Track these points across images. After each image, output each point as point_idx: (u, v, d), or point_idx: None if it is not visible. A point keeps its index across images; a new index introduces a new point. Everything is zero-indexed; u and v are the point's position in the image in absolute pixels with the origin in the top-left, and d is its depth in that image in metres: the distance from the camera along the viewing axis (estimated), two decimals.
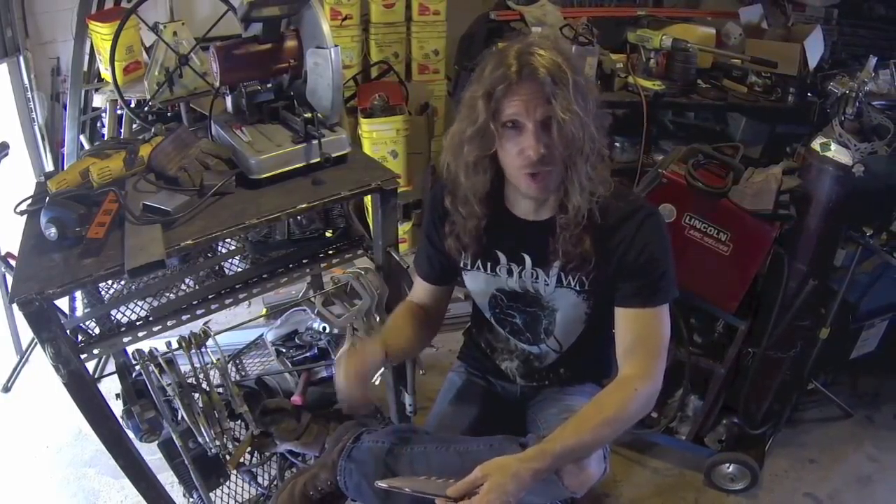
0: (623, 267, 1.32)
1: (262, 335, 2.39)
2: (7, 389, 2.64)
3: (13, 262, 1.54)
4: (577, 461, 1.26)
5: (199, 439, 1.65)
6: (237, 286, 1.78)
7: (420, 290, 1.59)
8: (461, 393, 1.64)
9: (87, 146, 2.71)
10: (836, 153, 1.83)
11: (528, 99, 1.20)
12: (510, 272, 1.43)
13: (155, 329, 1.65)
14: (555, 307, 1.43)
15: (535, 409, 1.57)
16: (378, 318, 1.87)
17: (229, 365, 1.85)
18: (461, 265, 1.48)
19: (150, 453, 1.80)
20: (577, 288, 1.38)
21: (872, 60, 1.85)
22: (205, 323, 1.72)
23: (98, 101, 2.76)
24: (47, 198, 1.53)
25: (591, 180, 1.27)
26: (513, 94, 1.20)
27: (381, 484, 1.29)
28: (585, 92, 1.23)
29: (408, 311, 1.54)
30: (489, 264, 1.44)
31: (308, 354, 2.12)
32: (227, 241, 1.97)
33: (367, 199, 2.10)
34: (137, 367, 1.58)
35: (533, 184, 1.27)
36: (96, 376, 1.88)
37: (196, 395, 1.63)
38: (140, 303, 1.74)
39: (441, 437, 1.45)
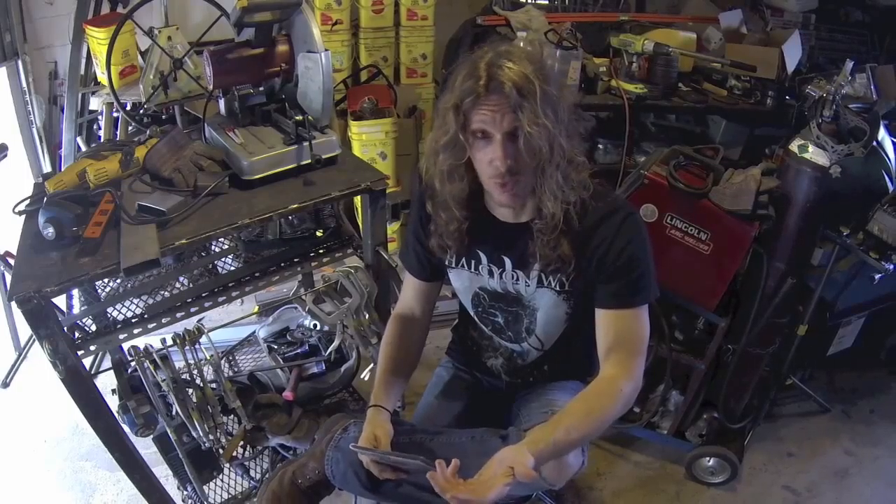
0: (602, 268, 1.33)
1: (254, 332, 2.38)
2: (6, 385, 2.65)
3: (12, 261, 1.56)
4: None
5: (193, 433, 1.68)
6: (230, 284, 1.81)
7: (410, 290, 1.60)
8: (447, 387, 1.66)
9: (83, 148, 2.72)
10: (814, 155, 1.85)
11: (494, 111, 1.21)
12: (491, 273, 1.45)
13: (150, 326, 1.68)
14: (535, 307, 1.45)
15: (519, 403, 1.59)
16: (367, 316, 1.89)
17: (222, 361, 1.87)
18: (446, 262, 1.50)
19: (146, 447, 1.83)
20: (558, 288, 1.40)
21: (849, 64, 1.86)
22: (198, 320, 1.75)
23: (94, 103, 2.75)
24: (45, 198, 1.56)
25: (561, 187, 1.27)
26: (480, 105, 1.21)
27: (356, 448, 1.33)
28: (556, 101, 1.24)
29: (395, 349, 1.55)
30: (472, 262, 1.46)
31: (299, 351, 2.12)
32: (220, 240, 2.00)
33: (357, 200, 2.12)
34: (133, 364, 1.61)
35: (504, 192, 1.29)
36: (93, 372, 1.91)
37: (190, 391, 1.66)
38: (135, 300, 1.78)
39: (425, 429, 1.48)
